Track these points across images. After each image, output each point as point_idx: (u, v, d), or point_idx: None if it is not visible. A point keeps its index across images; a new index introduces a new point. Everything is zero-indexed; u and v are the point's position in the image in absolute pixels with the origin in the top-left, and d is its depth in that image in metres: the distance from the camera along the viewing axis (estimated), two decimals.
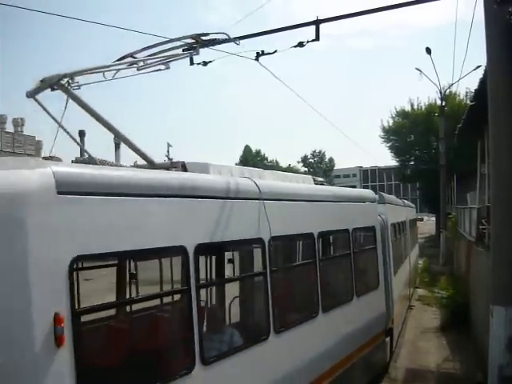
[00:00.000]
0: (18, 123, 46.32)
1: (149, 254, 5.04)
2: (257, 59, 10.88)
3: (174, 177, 5.40)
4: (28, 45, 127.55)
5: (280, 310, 6.26)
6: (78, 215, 3.91)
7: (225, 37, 7.23)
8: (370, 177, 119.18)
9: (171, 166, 6.10)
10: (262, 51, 10.79)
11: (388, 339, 10.93)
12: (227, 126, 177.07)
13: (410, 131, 43.55)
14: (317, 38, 9.87)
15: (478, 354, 10.95)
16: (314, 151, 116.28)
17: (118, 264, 6.07)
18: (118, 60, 6.69)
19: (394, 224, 13.36)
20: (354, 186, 11.00)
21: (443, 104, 29.59)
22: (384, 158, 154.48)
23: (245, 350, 5.55)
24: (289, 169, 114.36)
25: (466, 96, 36.23)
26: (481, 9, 6.56)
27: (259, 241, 6.13)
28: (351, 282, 8.97)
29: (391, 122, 45.07)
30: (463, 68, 37.62)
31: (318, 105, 12.04)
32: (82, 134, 63.12)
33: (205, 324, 5.24)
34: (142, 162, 6.24)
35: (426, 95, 50.55)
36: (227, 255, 6.58)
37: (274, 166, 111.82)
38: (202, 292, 5.24)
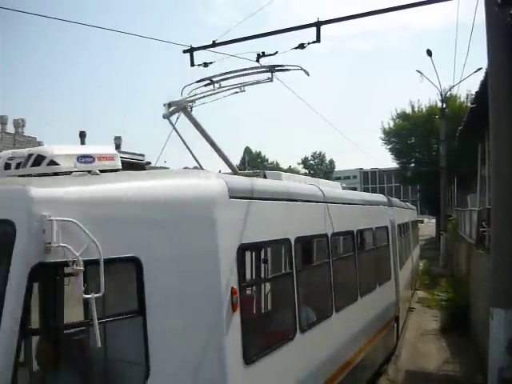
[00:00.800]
0: (19, 124, 46.26)
1: (276, 244, 6.72)
2: (257, 61, 10.90)
3: (292, 186, 7.26)
4: (26, 46, 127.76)
5: (337, 292, 7.82)
6: (241, 214, 5.30)
7: (297, 68, 8.04)
8: (370, 179, 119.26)
9: (254, 174, 7.42)
10: (263, 53, 10.80)
11: (395, 325, 12.46)
12: (227, 127, 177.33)
13: (410, 133, 43.55)
14: (318, 40, 9.89)
15: (477, 356, 10.95)
16: (315, 153, 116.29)
17: (258, 250, 7.39)
18: (197, 82, 7.92)
19: (399, 225, 14.68)
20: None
21: (444, 106, 29.58)
22: (384, 160, 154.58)
23: (320, 323, 7.19)
24: (289, 170, 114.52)
25: (467, 98, 36.22)
26: (482, 11, 6.57)
27: (325, 236, 7.66)
28: (375, 272, 10.65)
29: (392, 123, 45.07)
30: (464, 70, 37.43)
31: (319, 106, 12.06)
32: (82, 135, 63.08)
33: (301, 300, 6.59)
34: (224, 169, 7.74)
35: (426, 97, 50.51)
36: (308, 247, 7.66)
37: (275, 168, 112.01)
38: (300, 274, 6.60)
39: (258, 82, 7.99)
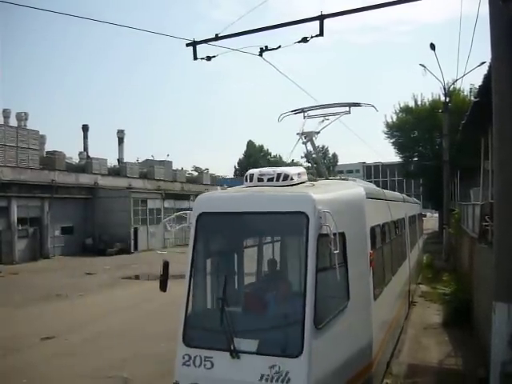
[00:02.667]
0: (22, 117, 46.35)
1: (386, 224, 10.65)
2: (260, 55, 10.89)
3: (397, 194, 16.98)
4: (29, 39, 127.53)
5: (410, 245, 15.67)
6: (371, 207, 8.73)
7: (369, 105, 10.61)
8: (373, 173, 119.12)
9: (341, 179, 10.80)
10: (266, 47, 10.79)
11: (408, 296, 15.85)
12: (230, 121, 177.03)
13: (413, 127, 43.47)
14: (321, 34, 9.86)
15: (480, 350, 10.96)
16: (317, 146, 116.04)
17: (382, 229, 10.13)
18: (292, 111, 10.41)
19: (410, 217, 17.99)
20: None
21: (447, 100, 29.46)
22: (387, 153, 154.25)
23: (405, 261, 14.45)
24: (292, 164, 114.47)
25: (470, 92, 36.12)
26: (486, 4, 6.53)
27: (415, 216, 19.39)
28: (406, 245, 15.70)
29: (395, 117, 44.96)
30: (467, 64, 37.22)
31: (322, 99, 12.07)
32: (85, 128, 62.69)
33: (405, 251, 13.89)
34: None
35: (429, 91, 50.34)
36: (399, 224, 13.53)
37: (278, 162, 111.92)
38: (396, 239, 12.75)
39: (336, 114, 10.21)
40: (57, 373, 11.49)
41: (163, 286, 7.45)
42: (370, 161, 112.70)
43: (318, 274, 6.29)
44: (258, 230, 7.68)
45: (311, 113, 10.06)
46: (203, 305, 7.46)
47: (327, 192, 7.35)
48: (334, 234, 6.09)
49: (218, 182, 78.00)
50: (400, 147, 46.15)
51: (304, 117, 10.05)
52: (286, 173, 7.39)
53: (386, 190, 13.97)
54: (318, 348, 6.08)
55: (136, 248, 42.29)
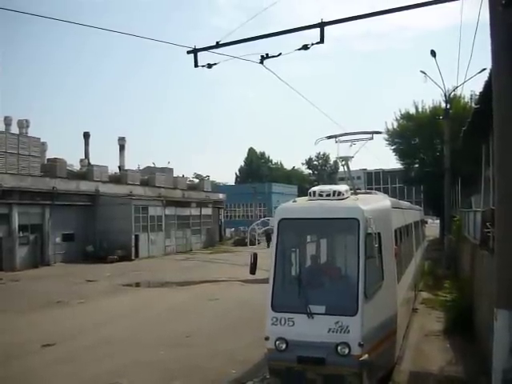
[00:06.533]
0: (23, 125, 46.50)
1: (405, 227, 14.54)
2: (261, 62, 10.93)
3: (405, 203, 20.34)
4: (28, 46, 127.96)
5: (415, 244, 18.71)
6: (394, 214, 11.83)
7: (381, 133, 15.34)
8: (374, 179, 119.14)
9: (366, 192, 13.75)
10: (267, 54, 10.84)
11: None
12: (231, 128, 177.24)
13: (414, 134, 43.48)
14: (321, 41, 9.91)
15: (481, 357, 10.91)
16: (319, 153, 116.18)
17: (400, 231, 12.82)
18: (327, 137, 12.20)
19: (415, 222, 20.36)
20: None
21: (448, 107, 29.48)
22: (388, 160, 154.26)
23: (414, 255, 17.99)
24: (293, 171, 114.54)
25: (471, 99, 36.16)
26: (486, 10, 6.55)
27: (419, 221, 22.86)
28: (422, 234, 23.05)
29: (396, 124, 44.99)
30: (468, 71, 37.22)
31: (323, 107, 12.22)
32: (86, 135, 62.84)
33: (414, 247, 18.09)
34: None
35: (430, 98, 50.34)
36: (411, 227, 17.41)
37: (279, 168, 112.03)
38: (410, 237, 16.57)
39: (361, 139, 12.07)
40: (57, 380, 11.48)
41: (253, 271, 10.34)
42: (371, 167, 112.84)
43: (366, 260, 9.05)
44: (323, 230, 10.60)
45: (341, 138, 12.15)
46: (285, 283, 10.01)
47: (369, 204, 10.15)
48: (375, 234, 9.09)
49: (219, 188, 78.13)
50: (401, 154, 46.15)
51: (336, 141, 12.09)
52: (340, 190, 10.11)
53: (400, 201, 17.73)
54: (367, 311, 8.85)
55: (137, 255, 42.25)
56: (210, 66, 11.21)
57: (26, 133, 43.98)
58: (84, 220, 41.49)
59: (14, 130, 44.62)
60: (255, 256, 10.34)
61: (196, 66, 11.06)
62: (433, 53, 26.61)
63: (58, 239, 38.74)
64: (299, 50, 10.49)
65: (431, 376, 10.70)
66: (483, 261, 12.70)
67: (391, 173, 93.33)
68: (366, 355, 8.70)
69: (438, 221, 49.39)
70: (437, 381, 10.44)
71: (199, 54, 11.07)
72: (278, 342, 9.14)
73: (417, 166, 46.85)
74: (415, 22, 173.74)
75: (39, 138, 40.40)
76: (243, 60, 11.19)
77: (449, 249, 28.12)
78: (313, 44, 10.11)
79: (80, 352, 13.72)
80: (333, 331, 8.74)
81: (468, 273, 18.44)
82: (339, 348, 8.67)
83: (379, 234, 9.42)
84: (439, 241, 39.69)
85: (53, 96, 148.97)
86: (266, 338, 9.34)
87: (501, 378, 5.75)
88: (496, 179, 6.44)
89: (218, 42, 10.78)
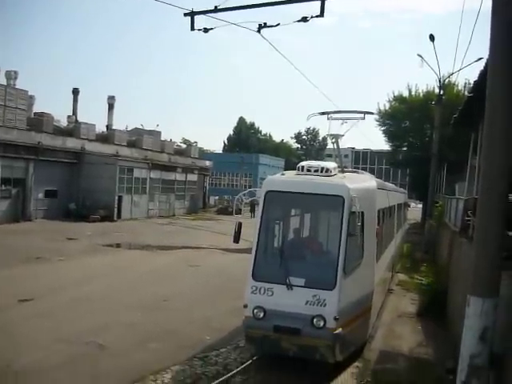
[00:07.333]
0: (11, 76, 45.44)
1: (388, 208, 14.98)
2: (259, 31, 10.77)
3: (390, 185, 20.81)
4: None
5: (397, 224, 19.68)
6: (379, 195, 12.11)
7: (373, 114, 16.34)
8: (361, 159, 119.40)
9: (353, 171, 13.84)
10: (265, 23, 10.70)
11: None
12: (222, 95, 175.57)
13: (405, 117, 43.47)
14: (321, 14, 9.78)
15: (451, 341, 11.16)
16: (308, 128, 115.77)
17: (383, 212, 13.24)
18: (320, 113, 12.44)
19: (398, 204, 21.01)
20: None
21: (441, 93, 29.46)
22: (377, 141, 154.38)
23: (396, 234, 19.15)
24: (281, 144, 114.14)
25: (465, 87, 36.16)
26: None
27: (402, 204, 22.98)
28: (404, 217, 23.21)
29: (388, 106, 44.93)
30: (465, 58, 37.06)
31: (317, 82, 12.24)
32: (75, 92, 61.68)
33: (396, 226, 18.94)
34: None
35: (425, 82, 50.29)
36: (398, 207, 19.93)
37: (268, 140, 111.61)
38: (394, 216, 17.68)
39: (353, 119, 12.51)
40: (33, 335, 11.50)
41: (236, 240, 10.55)
42: (359, 146, 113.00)
43: (348, 237, 9.34)
44: (308, 205, 10.91)
45: (334, 116, 12.39)
46: (267, 253, 10.34)
47: (355, 183, 10.44)
48: (359, 212, 9.47)
49: (206, 155, 77.77)
50: (390, 136, 46.18)
51: (328, 118, 12.31)
52: (328, 167, 10.34)
53: (385, 182, 17.88)
54: (345, 286, 9.20)
55: (119, 216, 42.11)
56: (206, 30, 11.03)
57: (14, 85, 43.02)
58: (68, 177, 41.12)
59: (2, 80, 43.71)
60: (240, 225, 10.56)
61: (192, 29, 10.87)
62: (431, 37, 26.45)
63: (40, 195, 38.40)
64: (298, 21, 10.35)
65: (400, 356, 10.93)
66: (461, 248, 12.90)
67: (379, 153, 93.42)
68: (340, 329, 9.03)
69: (421, 205, 49.84)
70: (405, 361, 10.67)
71: (196, 17, 10.88)
72: (256, 311, 9.39)
73: (405, 149, 46.98)
74: (417, 4, 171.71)
75: (27, 91, 39.61)
76: (240, 27, 11.03)
77: (429, 233, 28.47)
78: (312, 17, 9.97)
79: (58, 309, 13.78)
80: (310, 304, 9.05)
81: (445, 258, 18.72)
82: (315, 320, 8.99)
83: (363, 213, 9.77)
84: (420, 225, 40.15)
85: (44, 50, 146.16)
86: (245, 306, 9.58)
87: (467, 363, 5.90)
88: (482, 169, 6.50)
89: (216, 7, 10.59)
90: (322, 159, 65.34)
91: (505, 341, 6.16)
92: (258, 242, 10.00)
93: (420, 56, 27.29)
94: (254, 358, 10.43)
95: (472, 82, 14.88)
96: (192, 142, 75.52)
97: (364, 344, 10.97)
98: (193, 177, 57.05)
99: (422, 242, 29.48)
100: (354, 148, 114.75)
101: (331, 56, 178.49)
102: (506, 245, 6.86)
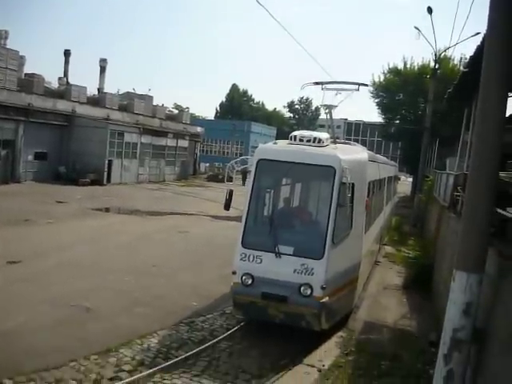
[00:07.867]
0: (2, 35, 44.42)
1: (379, 180, 15.28)
2: None
3: (382, 158, 20.92)
4: None
5: (387, 196, 20.30)
6: (370, 167, 12.45)
7: (368, 86, 16.43)
8: (353, 130, 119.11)
9: (345, 143, 14.07)
10: None
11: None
12: (215, 62, 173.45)
13: (399, 89, 43.27)
14: None
15: (435, 315, 11.35)
16: (302, 98, 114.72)
17: (373, 184, 13.44)
18: (314, 83, 12.20)
19: (388, 177, 21.20)
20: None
21: (436, 67, 29.26)
22: (370, 113, 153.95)
23: (386, 205, 20.08)
24: (274, 112, 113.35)
25: (460, 62, 35.95)
26: None
27: (392, 177, 23.41)
28: (386, 198, 19.77)
29: (382, 77, 44.63)
30: (462, 33, 36.86)
31: (312, 51, 12.09)
32: (67, 53, 60.53)
33: (385, 198, 19.07)
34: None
35: (420, 56, 49.86)
36: (389, 180, 20.45)
37: (260, 108, 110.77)
38: (384, 189, 17.99)
39: (347, 90, 12.29)
40: (17, 297, 11.53)
41: (227, 207, 10.64)
42: (351, 118, 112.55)
43: (338, 208, 9.50)
44: (299, 175, 10.97)
45: (328, 86, 12.23)
46: (257, 221, 10.49)
47: (347, 154, 10.48)
48: (350, 184, 9.51)
49: (198, 122, 77.15)
50: (383, 108, 46.02)
51: (322, 88, 12.19)
52: (320, 138, 10.46)
53: (376, 155, 18.34)
54: (333, 256, 9.35)
55: (109, 180, 41.94)
56: None
57: (5, 44, 42.12)
58: (58, 140, 40.72)
59: None
60: (231, 192, 10.62)
61: None
62: (429, 9, 26.14)
63: (30, 157, 38.05)
64: None
65: (384, 327, 11.10)
66: (449, 223, 13.00)
67: (371, 126, 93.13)
68: (327, 298, 9.22)
69: (411, 179, 50.03)
70: (389, 331, 10.85)
71: None
72: (244, 277, 9.54)
73: (398, 121, 46.90)
74: None
75: (18, 51, 38.82)
76: None
77: (417, 207, 28.69)
78: None
79: (44, 272, 13.79)
80: (298, 272, 9.22)
81: (433, 233, 18.90)
82: (302, 288, 9.16)
83: (353, 184, 9.84)
84: (410, 198, 40.41)
85: (35, 10, 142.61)
86: (233, 273, 9.73)
87: (450, 336, 5.97)
88: (474, 145, 6.47)
89: None
90: (314, 129, 65.08)
91: (488, 316, 6.23)
92: (248, 210, 10.10)
93: (417, 28, 27.00)
94: (241, 324, 10.57)
95: (468, 57, 14.75)
96: (184, 107, 74.71)
97: (349, 314, 11.13)
98: (184, 143, 56.70)
99: (410, 215, 29.72)
100: (346, 119, 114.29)
101: (328, 26, 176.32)
102: (494, 221, 6.90)
